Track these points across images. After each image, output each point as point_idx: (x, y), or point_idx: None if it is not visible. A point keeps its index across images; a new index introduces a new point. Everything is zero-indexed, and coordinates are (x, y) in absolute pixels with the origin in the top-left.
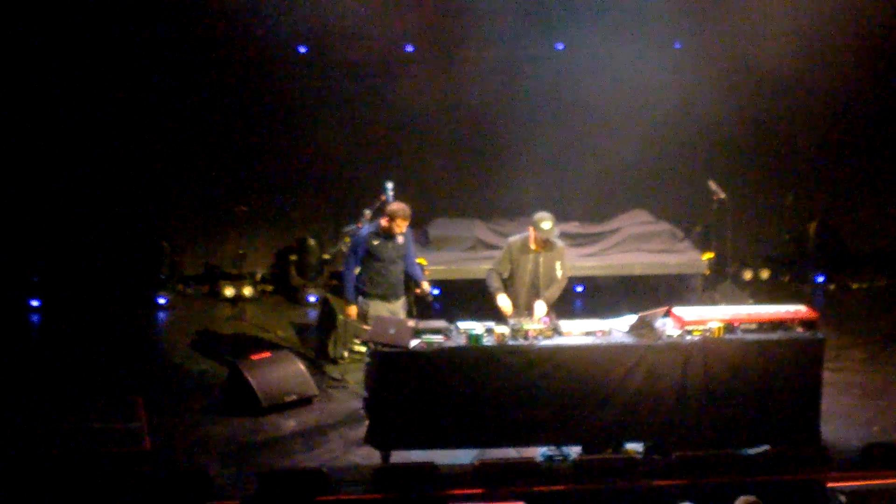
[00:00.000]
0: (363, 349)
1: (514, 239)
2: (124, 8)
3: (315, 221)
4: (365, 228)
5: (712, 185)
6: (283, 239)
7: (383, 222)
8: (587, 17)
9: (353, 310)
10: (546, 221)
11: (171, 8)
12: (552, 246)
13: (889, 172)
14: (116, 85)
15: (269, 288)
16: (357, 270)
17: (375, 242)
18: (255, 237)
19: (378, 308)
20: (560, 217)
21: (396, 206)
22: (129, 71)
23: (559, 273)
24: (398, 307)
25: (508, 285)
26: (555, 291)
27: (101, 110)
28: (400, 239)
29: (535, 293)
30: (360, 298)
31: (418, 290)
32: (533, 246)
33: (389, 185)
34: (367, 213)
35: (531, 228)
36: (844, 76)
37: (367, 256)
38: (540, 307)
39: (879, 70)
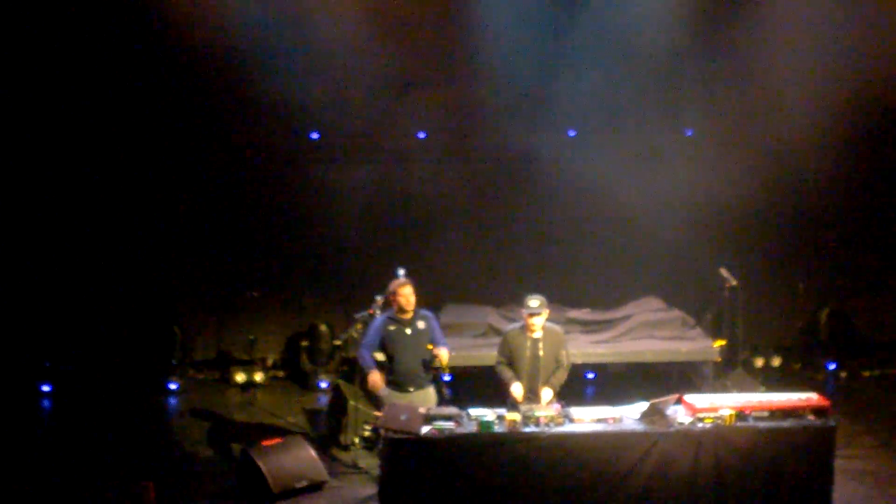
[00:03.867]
0: (373, 434)
1: (511, 327)
2: (143, 92)
3: (326, 308)
4: (382, 316)
5: (724, 273)
6: (295, 325)
7: (394, 305)
8: (598, 104)
9: (374, 375)
10: (533, 300)
11: (187, 95)
12: (552, 331)
13: None
14: (132, 170)
15: (281, 374)
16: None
17: (391, 328)
18: (267, 323)
19: (391, 397)
20: (572, 304)
21: (393, 283)
22: (145, 155)
23: (563, 359)
24: (416, 399)
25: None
26: (560, 377)
27: (115, 195)
28: (421, 325)
29: (537, 379)
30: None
31: (435, 361)
32: (529, 332)
33: (401, 272)
34: (379, 299)
35: (524, 314)
36: (857, 165)
37: (384, 342)
38: (546, 393)
39: (893, 158)
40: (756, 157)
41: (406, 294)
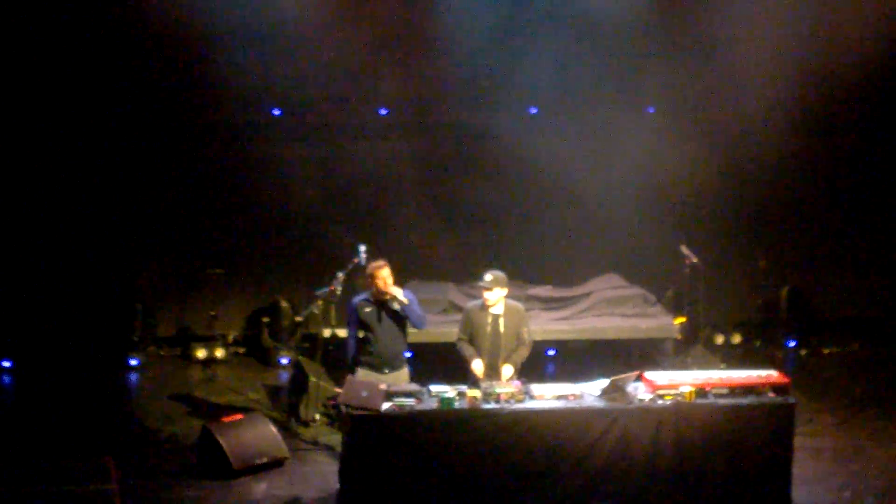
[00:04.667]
0: (334, 411)
1: (472, 304)
2: (101, 70)
3: (288, 284)
4: (358, 296)
5: (684, 250)
6: (256, 301)
7: (372, 286)
8: (560, 81)
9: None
10: (488, 275)
11: (148, 71)
12: (512, 308)
13: (860, 239)
14: (91, 147)
15: (242, 350)
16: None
17: (367, 310)
18: (228, 299)
19: (367, 378)
20: (533, 281)
21: (370, 265)
22: (104, 132)
23: (524, 336)
24: (393, 380)
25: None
26: (522, 354)
27: (74, 172)
28: (395, 306)
29: (498, 356)
30: (357, 368)
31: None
32: (490, 307)
33: (363, 248)
34: (341, 275)
35: (486, 289)
36: (818, 143)
37: (360, 325)
38: (507, 370)
39: (853, 137)
40: (717, 134)
41: (384, 276)
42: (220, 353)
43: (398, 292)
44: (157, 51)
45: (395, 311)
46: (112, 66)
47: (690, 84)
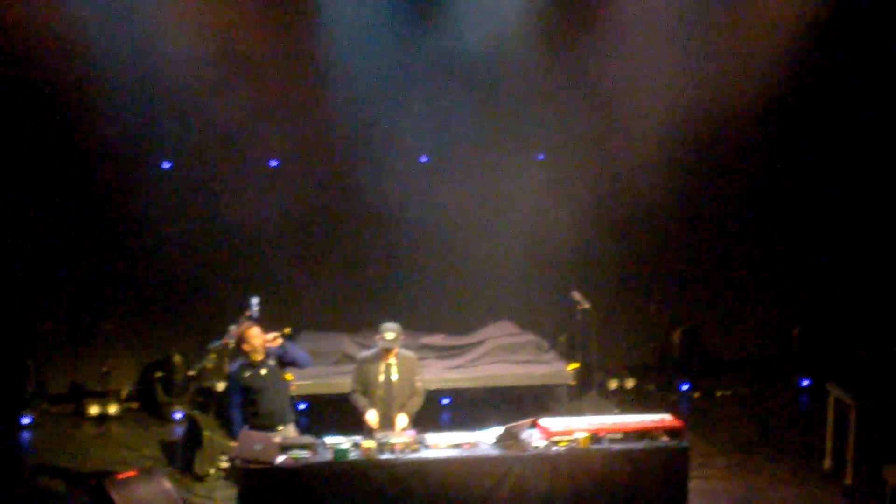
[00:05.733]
0: (228, 465)
1: (365, 354)
2: None
3: (181, 338)
4: (234, 364)
5: (576, 296)
6: (149, 356)
7: (244, 350)
8: (449, 129)
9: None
10: (389, 332)
11: (37, 122)
12: (405, 357)
13: (751, 281)
14: None
15: (135, 405)
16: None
17: (247, 374)
18: (121, 354)
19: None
20: (426, 329)
21: (236, 330)
22: None
23: (418, 385)
24: (288, 433)
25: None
26: (416, 403)
27: None
28: (271, 361)
29: (392, 406)
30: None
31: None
32: (383, 357)
33: (255, 301)
34: (233, 328)
35: (380, 343)
36: (704, 184)
37: (245, 391)
38: (401, 420)
39: (742, 178)
40: (605, 178)
41: (253, 336)
42: (113, 409)
43: (271, 337)
44: (48, 104)
45: (275, 366)
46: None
47: (577, 128)
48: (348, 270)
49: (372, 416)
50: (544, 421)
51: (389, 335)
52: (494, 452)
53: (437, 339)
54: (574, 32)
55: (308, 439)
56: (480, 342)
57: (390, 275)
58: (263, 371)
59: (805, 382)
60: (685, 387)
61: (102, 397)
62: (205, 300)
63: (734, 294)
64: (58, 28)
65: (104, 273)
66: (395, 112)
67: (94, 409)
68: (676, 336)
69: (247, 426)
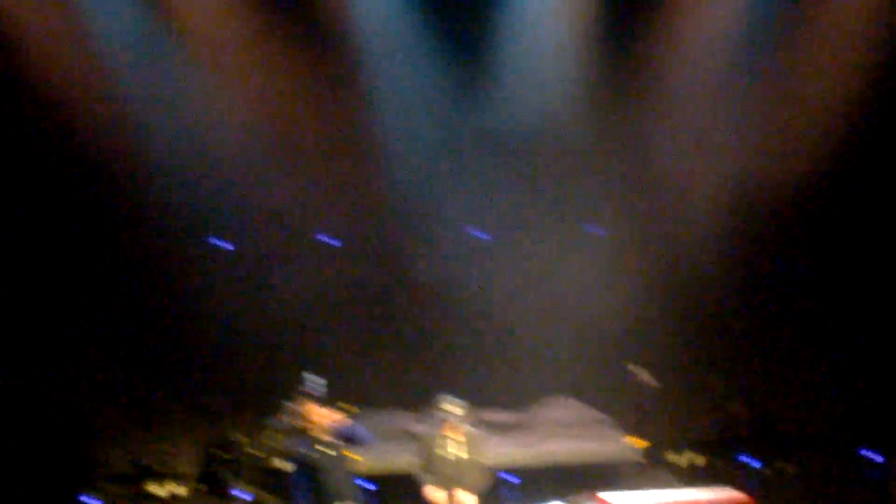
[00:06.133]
0: None
1: (429, 431)
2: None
3: (238, 414)
4: (296, 443)
5: (638, 371)
6: (206, 432)
7: (305, 427)
8: (504, 202)
9: None
10: (453, 407)
11: (90, 198)
12: (471, 434)
13: (819, 354)
14: (43, 274)
15: (198, 485)
16: None
17: (309, 453)
18: (177, 430)
19: None
20: (487, 405)
21: (299, 407)
22: (48, 264)
23: (480, 460)
24: None
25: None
26: (479, 479)
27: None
28: (334, 440)
29: (458, 484)
30: None
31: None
32: (446, 434)
33: (312, 378)
34: (293, 406)
35: (443, 420)
36: (765, 254)
37: (308, 471)
38: (468, 499)
39: (801, 246)
40: (661, 249)
41: (314, 414)
42: (176, 490)
43: (333, 416)
44: (96, 178)
45: (337, 445)
46: (48, 195)
47: (630, 199)
48: (403, 346)
49: (438, 496)
50: (605, 495)
51: (454, 411)
52: None
53: (499, 415)
54: (624, 102)
55: None
56: (542, 419)
57: (445, 350)
58: (326, 450)
59: (874, 458)
60: (750, 461)
61: (164, 477)
62: (261, 376)
63: (801, 367)
64: (113, 105)
65: (160, 349)
66: (446, 187)
67: (156, 490)
68: (740, 408)
69: None
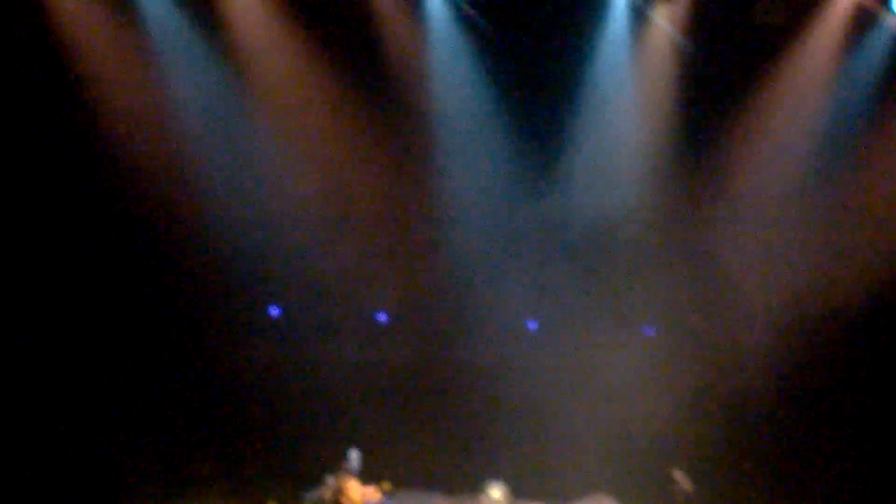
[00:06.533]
0: None
1: None
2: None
3: (275, 484)
4: None
5: (678, 476)
6: (242, 501)
7: (342, 502)
8: (558, 296)
9: None
10: (495, 490)
11: (150, 264)
12: None
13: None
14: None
15: None
16: None
17: None
18: (214, 500)
19: None
20: (524, 495)
21: (336, 482)
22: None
23: None
24: None
25: None
26: None
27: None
28: None
29: None
30: None
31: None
32: None
33: (353, 454)
34: (330, 480)
35: (482, 500)
36: (820, 372)
37: None
38: None
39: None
40: (714, 358)
41: (351, 489)
42: None
43: (370, 492)
44: (155, 246)
45: None
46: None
47: (687, 304)
48: (443, 428)
49: None
50: None
51: (495, 493)
52: None
53: None
54: (687, 206)
55: None
56: None
57: (487, 435)
58: None
59: None
60: None
61: None
62: (301, 448)
63: (845, 480)
64: (174, 171)
65: (199, 417)
66: (501, 276)
67: None
68: None
69: None
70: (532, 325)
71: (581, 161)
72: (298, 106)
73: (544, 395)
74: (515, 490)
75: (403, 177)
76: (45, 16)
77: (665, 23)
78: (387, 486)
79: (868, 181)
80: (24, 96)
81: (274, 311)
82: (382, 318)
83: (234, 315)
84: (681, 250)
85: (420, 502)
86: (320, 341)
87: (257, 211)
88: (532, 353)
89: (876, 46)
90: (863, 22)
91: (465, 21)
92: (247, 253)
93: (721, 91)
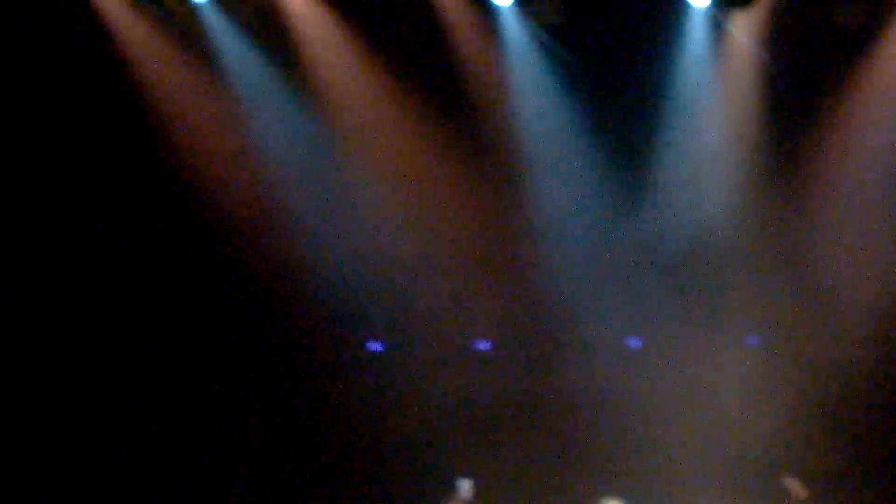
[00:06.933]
0: None
1: None
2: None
3: None
4: None
5: (790, 483)
6: None
7: None
8: (658, 314)
9: None
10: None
11: (245, 302)
12: None
13: None
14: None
15: None
16: None
17: None
18: None
19: None
20: None
21: None
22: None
23: None
24: None
25: None
26: None
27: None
28: None
29: None
30: None
31: None
32: None
33: (465, 484)
34: None
35: None
36: None
37: None
38: None
39: None
40: (824, 367)
41: None
42: None
43: None
44: (251, 282)
45: None
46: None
47: (790, 314)
48: (552, 456)
49: None
50: None
51: None
52: None
53: None
54: (787, 214)
55: None
56: None
57: (594, 459)
58: None
59: None
60: None
61: None
62: (412, 479)
63: None
64: (267, 208)
65: (305, 456)
66: (600, 295)
67: None
68: None
69: None
70: (634, 343)
71: (671, 175)
72: (386, 143)
73: (650, 414)
74: None
75: (495, 204)
76: (125, 66)
77: (742, 33)
78: None
79: None
80: (108, 149)
81: (375, 346)
82: (483, 345)
83: (336, 353)
84: (778, 260)
85: None
86: (422, 374)
87: (352, 250)
88: (635, 373)
89: None
90: None
91: (542, 47)
92: (346, 292)
93: (804, 97)
